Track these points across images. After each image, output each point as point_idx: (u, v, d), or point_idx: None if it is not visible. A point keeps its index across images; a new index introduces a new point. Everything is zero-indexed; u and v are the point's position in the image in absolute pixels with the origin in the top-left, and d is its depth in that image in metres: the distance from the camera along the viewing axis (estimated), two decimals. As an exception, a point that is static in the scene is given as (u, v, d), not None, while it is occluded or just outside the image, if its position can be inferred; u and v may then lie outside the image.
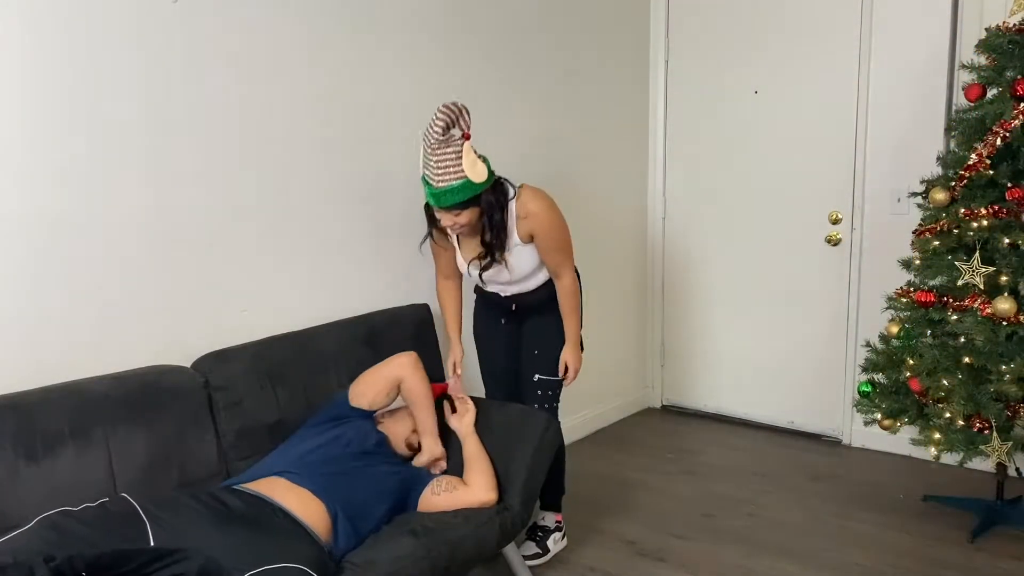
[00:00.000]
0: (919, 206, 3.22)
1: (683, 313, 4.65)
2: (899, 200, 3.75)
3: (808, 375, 4.24)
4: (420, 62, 3.28)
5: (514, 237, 2.72)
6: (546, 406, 2.94)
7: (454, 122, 2.48)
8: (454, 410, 2.70)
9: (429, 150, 2.50)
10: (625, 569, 2.99)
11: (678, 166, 4.56)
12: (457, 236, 2.79)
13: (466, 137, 2.52)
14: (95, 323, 2.39)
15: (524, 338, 2.99)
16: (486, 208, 2.61)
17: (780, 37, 4.12)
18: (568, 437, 2.97)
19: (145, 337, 2.49)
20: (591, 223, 4.21)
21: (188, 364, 2.50)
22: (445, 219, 2.62)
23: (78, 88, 2.30)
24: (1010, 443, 2.87)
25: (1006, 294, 2.86)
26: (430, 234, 2.81)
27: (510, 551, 2.78)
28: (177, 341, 2.54)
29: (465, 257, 2.84)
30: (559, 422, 2.91)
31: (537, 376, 2.94)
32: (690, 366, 4.67)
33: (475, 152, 2.54)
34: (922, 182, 3.17)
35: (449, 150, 2.48)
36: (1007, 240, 2.87)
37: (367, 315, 2.99)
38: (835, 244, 4.06)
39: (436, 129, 2.45)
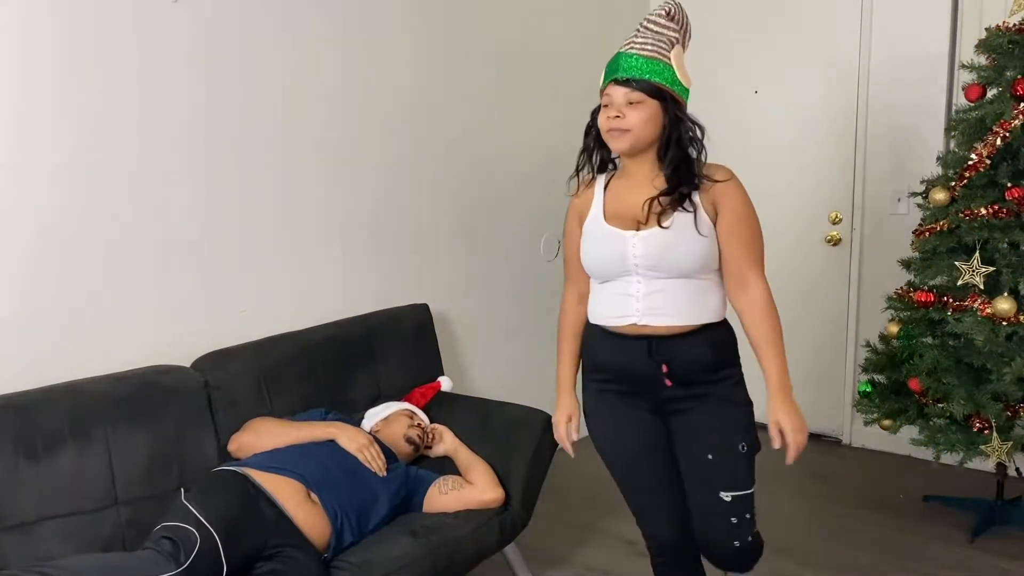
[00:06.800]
0: (919, 206, 3.22)
1: (683, 313, 4.64)
2: (899, 200, 3.75)
3: (808, 375, 4.23)
4: (420, 63, 3.29)
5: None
6: (749, 539, 2.05)
7: (674, 17, 2.02)
8: (428, 446, 2.67)
9: (641, 27, 2.00)
10: (625, 569, 2.98)
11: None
12: (604, 186, 2.06)
13: (681, 42, 2.04)
14: (95, 323, 2.39)
15: (683, 434, 2.04)
16: (670, 122, 1.96)
17: (780, 37, 4.12)
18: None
19: (145, 337, 2.49)
20: (591, 223, 4.21)
21: (188, 364, 2.50)
22: (615, 96, 1.95)
23: (77, 87, 2.30)
24: (1010, 443, 2.87)
25: (1006, 294, 2.86)
26: (587, 162, 2.08)
27: (510, 551, 2.78)
28: (177, 341, 2.54)
29: (615, 211, 2.01)
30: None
31: (726, 495, 2.01)
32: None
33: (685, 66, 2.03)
34: (922, 182, 3.17)
35: (664, 32, 1.99)
36: (1007, 240, 2.87)
37: (366, 315, 2.99)
38: (835, 244, 4.06)
39: (659, 13, 2.02)
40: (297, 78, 2.85)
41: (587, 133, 2.07)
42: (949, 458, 3.10)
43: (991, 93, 3.00)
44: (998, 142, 2.86)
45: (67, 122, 2.29)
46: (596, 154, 2.08)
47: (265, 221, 2.80)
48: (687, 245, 1.94)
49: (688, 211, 1.94)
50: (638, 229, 1.96)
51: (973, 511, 3.29)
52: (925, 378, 3.01)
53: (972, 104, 3.01)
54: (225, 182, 2.67)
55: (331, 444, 2.39)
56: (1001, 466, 3.18)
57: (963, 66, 3.16)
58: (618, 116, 1.94)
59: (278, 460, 2.26)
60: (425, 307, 3.13)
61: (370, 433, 2.56)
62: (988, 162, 2.90)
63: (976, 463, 3.10)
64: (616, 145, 1.99)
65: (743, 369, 2.13)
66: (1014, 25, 2.94)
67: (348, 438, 2.39)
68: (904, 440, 3.42)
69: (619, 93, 1.94)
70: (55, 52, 2.25)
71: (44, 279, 2.28)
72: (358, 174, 3.09)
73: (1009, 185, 2.87)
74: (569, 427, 2.16)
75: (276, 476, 2.20)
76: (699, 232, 1.94)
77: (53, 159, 2.27)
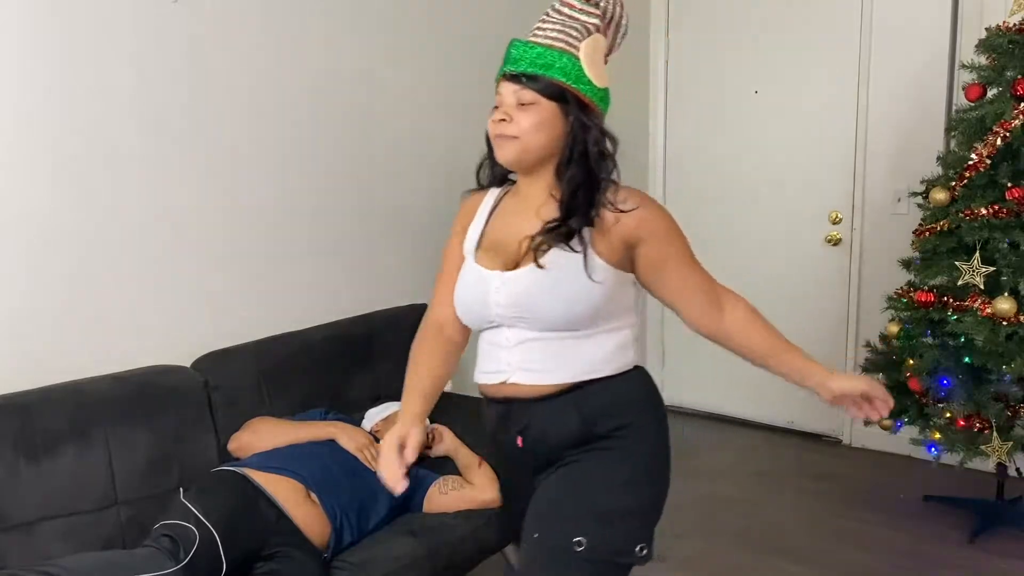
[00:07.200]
0: (919, 206, 3.22)
1: (683, 313, 4.64)
2: (899, 200, 3.75)
3: (808, 375, 4.23)
4: (421, 64, 3.28)
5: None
6: None
7: (602, 7, 1.61)
8: (428, 446, 2.67)
9: (551, 10, 1.63)
10: (625, 569, 2.98)
11: (678, 166, 4.56)
12: (493, 206, 1.71)
13: (603, 33, 1.62)
14: (95, 323, 2.38)
15: (535, 498, 1.66)
16: (574, 130, 1.55)
17: (780, 37, 4.12)
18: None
19: (145, 337, 2.49)
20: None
21: (188, 364, 2.50)
22: (504, 94, 1.59)
23: (77, 87, 2.30)
24: (1010, 443, 2.87)
25: (1006, 294, 2.86)
26: (489, 169, 1.71)
27: (510, 551, 2.78)
28: (177, 341, 2.54)
29: (492, 242, 1.66)
30: None
31: None
32: (690, 366, 4.66)
33: (605, 60, 1.63)
34: (922, 182, 3.17)
35: (578, 18, 1.59)
36: (1007, 240, 2.87)
37: (366, 315, 2.98)
38: (835, 244, 4.06)
39: None
40: (297, 78, 2.85)
41: (487, 136, 1.65)
42: (949, 458, 3.10)
43: (991, 93, 3.00)
44: (998, 142, 2.87)
45: (67, 122, 2.29)
46: (495, 164, 1.66)
47: (265, 221, 2.79)
48: (562, 296, 1.55)
49: (576, 251, 1.54)
50: (508, 269, 1.59)
51: (973, 511, 3.29)
52: (925, 378, 3.01)
53: (972, 104, 3.01)
54: (225, 182, 2.67)
55: (331, 444, 2.39)
56: (1001, 466, 3.18)
57: (963, 66, 3.16)
58: (504, 119, 1.57)
59: (278, 460, 2.26)
60: (425, 307, 3.12)
61: (370, 433, 2.56)
62: (988, 162, 2.90)
63: (976, 463, 3.10)
64: (501, 155, 1.60)
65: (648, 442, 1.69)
66: (1014, 25, 2.94)
67: (348, 438, 2.39)
68: (904, 440, 3.43)
69: (508, 91, 1.58)
70: (55, 52, 2.25)
71: (44, 279, 2.28)
72: (359, 174, 3.09)
73: (1009, 185, 2.87)
74: (395, 452, 1.56)
75: (276, 476, 2.20)
76: (590, 278, 1.55)
77: (53, 159, 2.27)
